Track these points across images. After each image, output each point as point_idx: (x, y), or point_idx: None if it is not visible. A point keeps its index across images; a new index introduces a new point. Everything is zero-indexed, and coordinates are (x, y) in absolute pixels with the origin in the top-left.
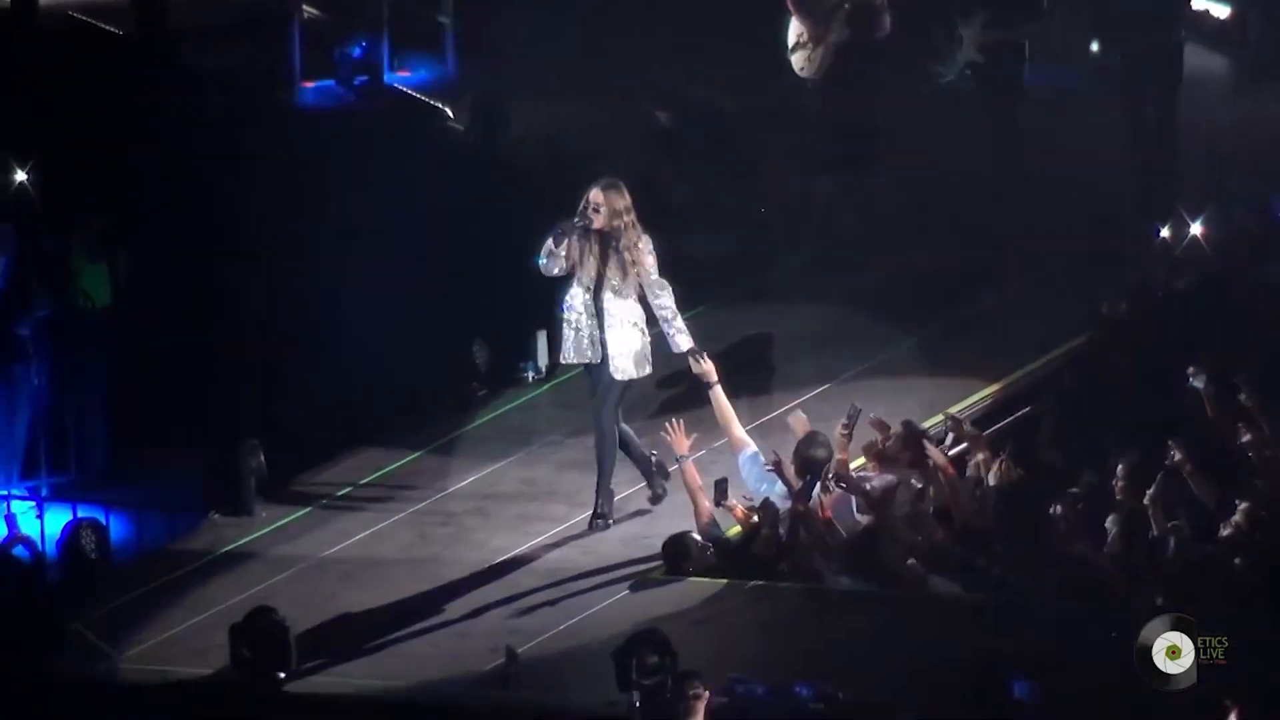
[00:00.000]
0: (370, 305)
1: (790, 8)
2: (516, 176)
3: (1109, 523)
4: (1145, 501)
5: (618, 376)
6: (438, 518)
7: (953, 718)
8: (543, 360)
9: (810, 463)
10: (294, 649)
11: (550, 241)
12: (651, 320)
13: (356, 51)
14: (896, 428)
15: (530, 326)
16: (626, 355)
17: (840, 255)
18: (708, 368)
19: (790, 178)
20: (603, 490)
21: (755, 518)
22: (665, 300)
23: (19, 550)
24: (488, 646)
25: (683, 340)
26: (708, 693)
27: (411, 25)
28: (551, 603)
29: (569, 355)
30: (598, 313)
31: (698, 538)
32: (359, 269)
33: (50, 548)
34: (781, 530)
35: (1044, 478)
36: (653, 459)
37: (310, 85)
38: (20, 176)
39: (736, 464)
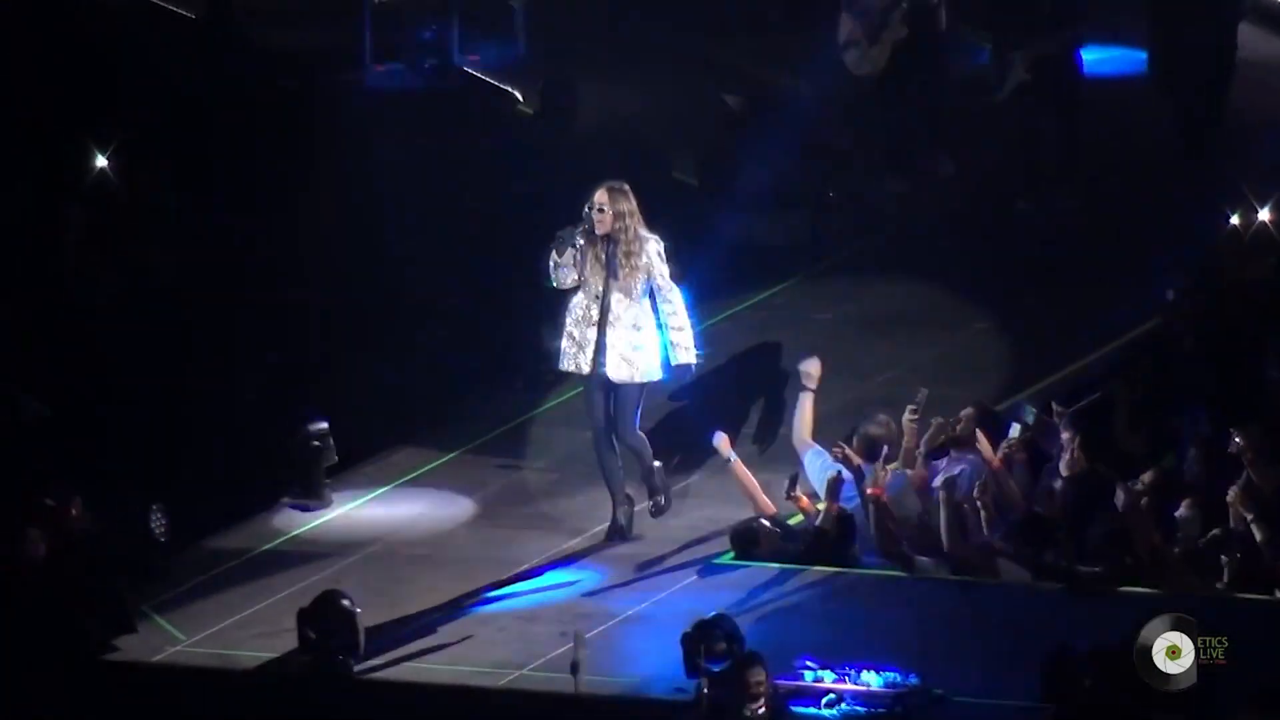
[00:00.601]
0: (440, 288)
1: (841, 7)
2: (586, 160)
3: (1182, 510)
4: (1229, 497)
5: (615, 377)
6: (507, 502)
7: (1020, 704)
8: None
9: (870, 442)
10: (362, 633)
11: (553, 252)
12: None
13: (426, 34)
14: (968, 410)
15: None
16: (633, 361)
17: (908, 240)
18: (814, 371)
19: (859, 163)
20: (652, 481)
21: (819, 505)
22: (673, 307)
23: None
24: (555, 631)
25: (682, 354)
26: (766, 678)
27: (481, 8)
28: (619, 588)
29: (567, 364)
30: (603, 319)
31: (766, 523)
32: (428, 251)
33: (120, 531)
34: (849, 509)
35: (1120, 464)
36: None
37: (380, 68)
38: (101, 161)
39: (802, 464)
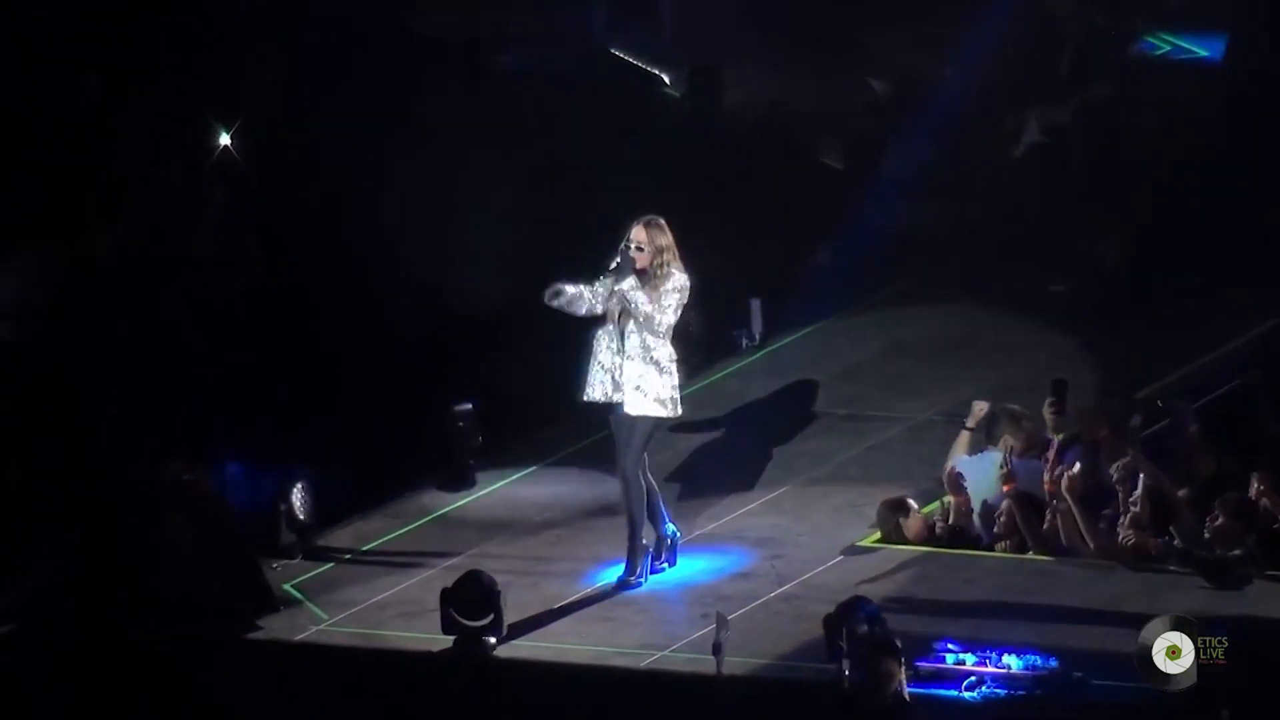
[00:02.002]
0: (586, 270)
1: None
2: (731, 144)
3: None
4: None
5: (630, 411)
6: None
7: (1159, 687)
8: (757, 328)
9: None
10: (504, 613)
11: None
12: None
13: (574, 17)
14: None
15: (745, 293)
16: (646, 394)
17: (1049, 227)
18: (979, 412)
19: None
20: (635, 548)
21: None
22: (648, 337)
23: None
24: (697, 613)
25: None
26: (899, 670)
27: None
28: (762, 570)
29: (592, 394)
30: (622, 350)
31: (912, 503)
32: (574, 234)
33: (264, 509)
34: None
35: (1256, 451)
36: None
37: (526, 50)
38: (224, 140)
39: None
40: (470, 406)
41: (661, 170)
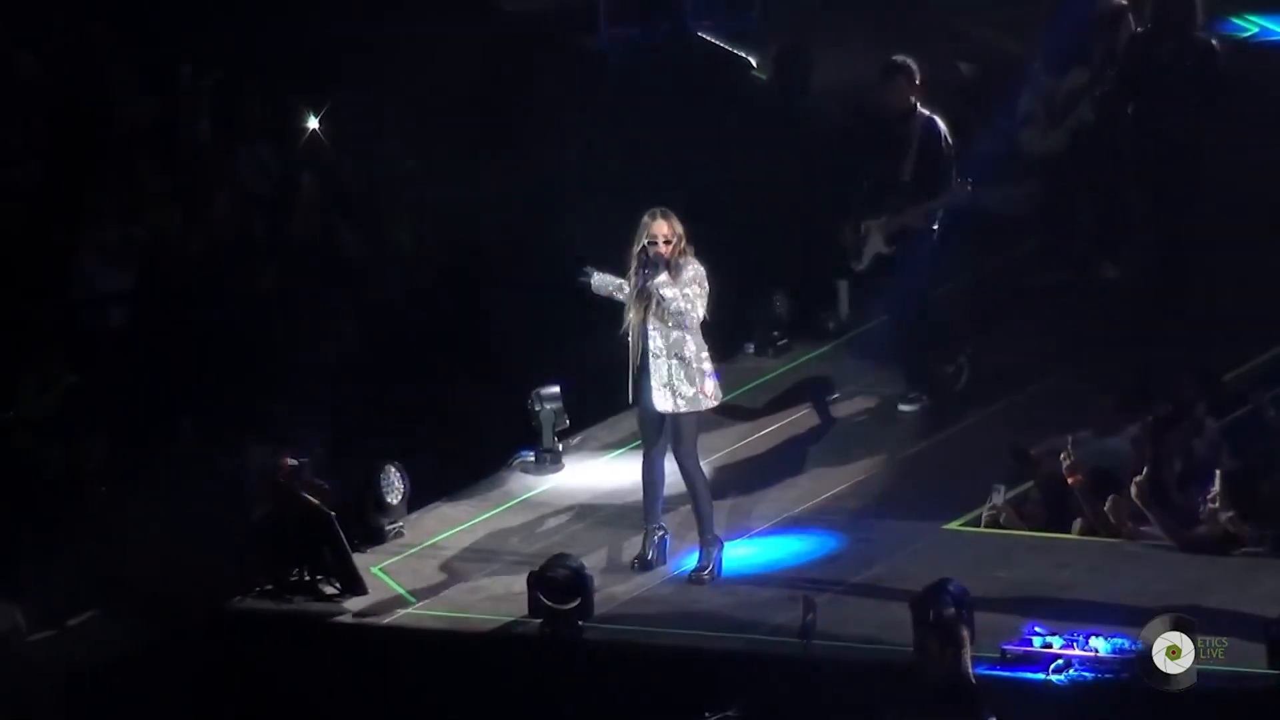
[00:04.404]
0: None
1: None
2: (818, 126)
3: None
4: None
5: (661, 408)
6: (736, 466)
7: (1246, 670)
8: (843, 311)
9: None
10: (593, 596)
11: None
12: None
13: None
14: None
15: (831, 276)
16: (678, 391)
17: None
18: None
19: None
20: (707, 541)
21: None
22: (673, 332)
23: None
24: (785, 595)
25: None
26: (966, 649)
27: None
28: (849, 552)
29: (634, 396)
30: (645, 348)
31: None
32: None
33: (354, 494)
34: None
35: None
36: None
37: (614, 31)
38: (313, 124)
39: None
40: (557, 389)
41: (748, 152)
